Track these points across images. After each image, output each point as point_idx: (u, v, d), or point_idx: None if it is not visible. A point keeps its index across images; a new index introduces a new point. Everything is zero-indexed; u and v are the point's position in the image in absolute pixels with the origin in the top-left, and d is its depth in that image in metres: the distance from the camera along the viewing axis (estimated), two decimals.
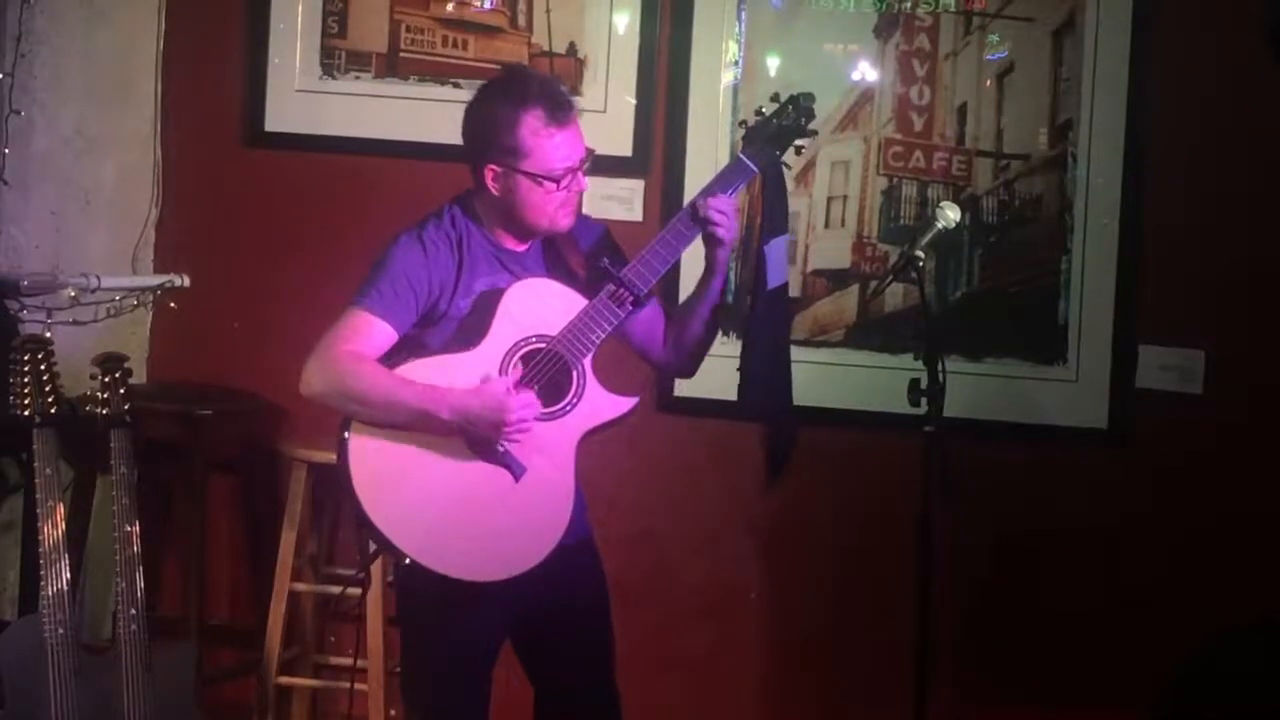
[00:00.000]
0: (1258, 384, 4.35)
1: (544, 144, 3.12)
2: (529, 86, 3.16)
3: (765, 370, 3.40)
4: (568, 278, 3.23)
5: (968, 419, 4.03)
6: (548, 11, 4.65)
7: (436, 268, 3.16)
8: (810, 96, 3.29)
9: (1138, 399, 4.41)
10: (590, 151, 3.22)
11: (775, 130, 3.25)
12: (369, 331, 3.11)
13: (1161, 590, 4.39)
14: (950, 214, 3.32)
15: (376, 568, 4.17)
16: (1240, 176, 4.36)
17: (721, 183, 3.23)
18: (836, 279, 4.54)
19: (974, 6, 4.49)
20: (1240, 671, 4.15)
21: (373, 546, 3.19)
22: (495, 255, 3.22)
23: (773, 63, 4.57)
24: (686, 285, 3.47)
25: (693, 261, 3.30)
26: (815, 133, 3.33)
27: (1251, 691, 4.08)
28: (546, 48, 4.65)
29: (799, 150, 3.31)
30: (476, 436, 3.08)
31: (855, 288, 4.54)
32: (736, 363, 3.46)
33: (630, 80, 4.60)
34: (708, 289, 3.27)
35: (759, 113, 3.28)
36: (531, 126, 3.12)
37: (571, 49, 4.64)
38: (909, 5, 4.51)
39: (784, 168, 3.32)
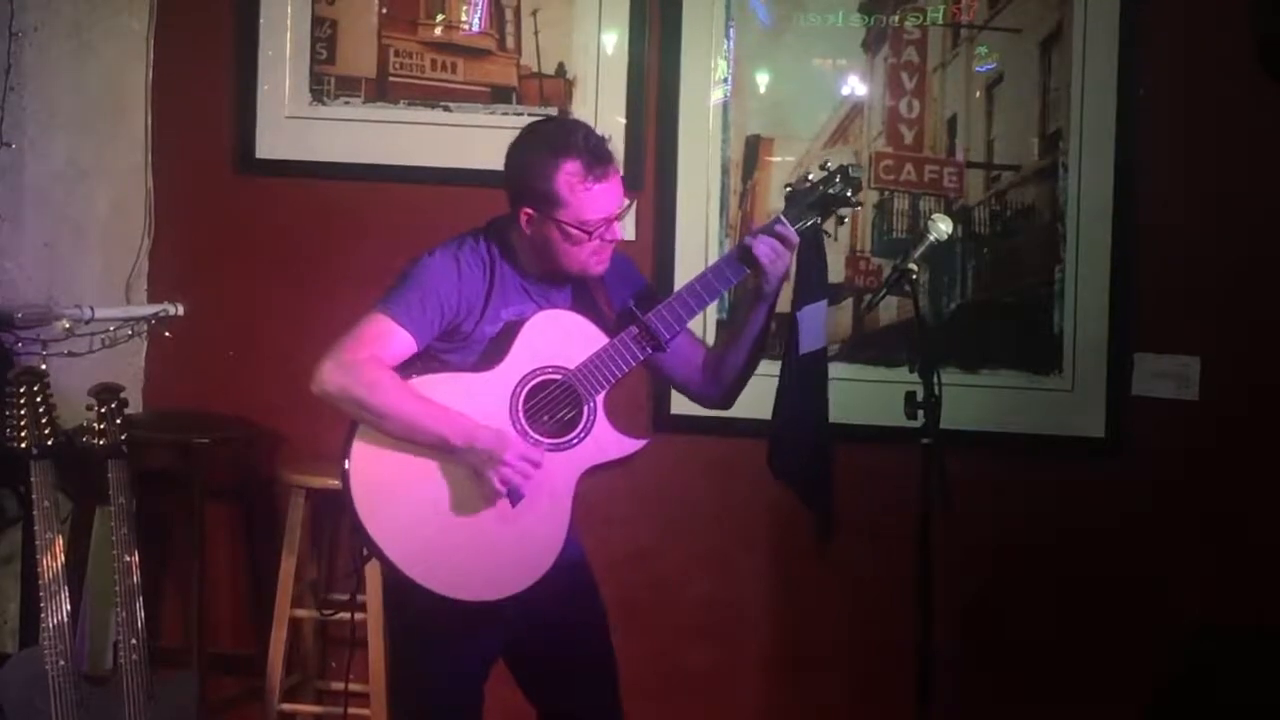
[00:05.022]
0: (1253, 388, 4.35)
1: (581, 196, 3.10)
2: (571, 137, 3.14)
3: (794, 440, 3.35)
4: (595, 316, 3.23)
5: (964, 430, 4.02)
6: (536, 33, 4.66)
7: (467, 287, 3.16)
8: (859, 168, 3.28)
9: (1134, 406, 4.41)
10: (630, 202, 3.23)
11: (819, 197, 3.22)
12: (390, 338, 3.10)
13: (1159, 595, 4.39)
14: (943, 226, 3.32)
15: (376, 594, 4.19)
16: (1229, 182, 4.37)
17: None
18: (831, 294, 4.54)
19: (962, 18, 4.50)
20: (1235, 675, 4.15)
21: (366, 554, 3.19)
22: (524, 288, 3.23)
23: (762, 79, 4.58)
24: None
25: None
26: (860, 204, 3.32)
27: (1246, 695, 4.08)
28: (536, 69, 4.66)
29: (841, 220, 3.30)
30: (471, 463, 3.09)
31: (849, 302, 4.54)
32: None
33: (620, 100, 4.60)
34: (750, 316, 3.25)
35: (805, 179, 3.26)
36: (569, 178, 3.10)
37: (560, 69, 4.65)
38: (897, 19, 4.51)
39: (824, 235, 3.29)
